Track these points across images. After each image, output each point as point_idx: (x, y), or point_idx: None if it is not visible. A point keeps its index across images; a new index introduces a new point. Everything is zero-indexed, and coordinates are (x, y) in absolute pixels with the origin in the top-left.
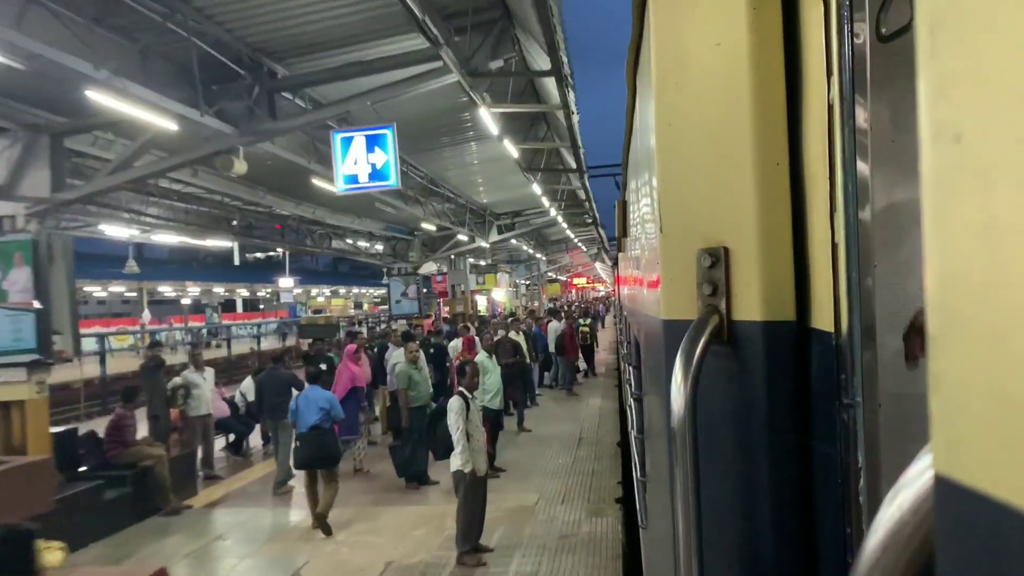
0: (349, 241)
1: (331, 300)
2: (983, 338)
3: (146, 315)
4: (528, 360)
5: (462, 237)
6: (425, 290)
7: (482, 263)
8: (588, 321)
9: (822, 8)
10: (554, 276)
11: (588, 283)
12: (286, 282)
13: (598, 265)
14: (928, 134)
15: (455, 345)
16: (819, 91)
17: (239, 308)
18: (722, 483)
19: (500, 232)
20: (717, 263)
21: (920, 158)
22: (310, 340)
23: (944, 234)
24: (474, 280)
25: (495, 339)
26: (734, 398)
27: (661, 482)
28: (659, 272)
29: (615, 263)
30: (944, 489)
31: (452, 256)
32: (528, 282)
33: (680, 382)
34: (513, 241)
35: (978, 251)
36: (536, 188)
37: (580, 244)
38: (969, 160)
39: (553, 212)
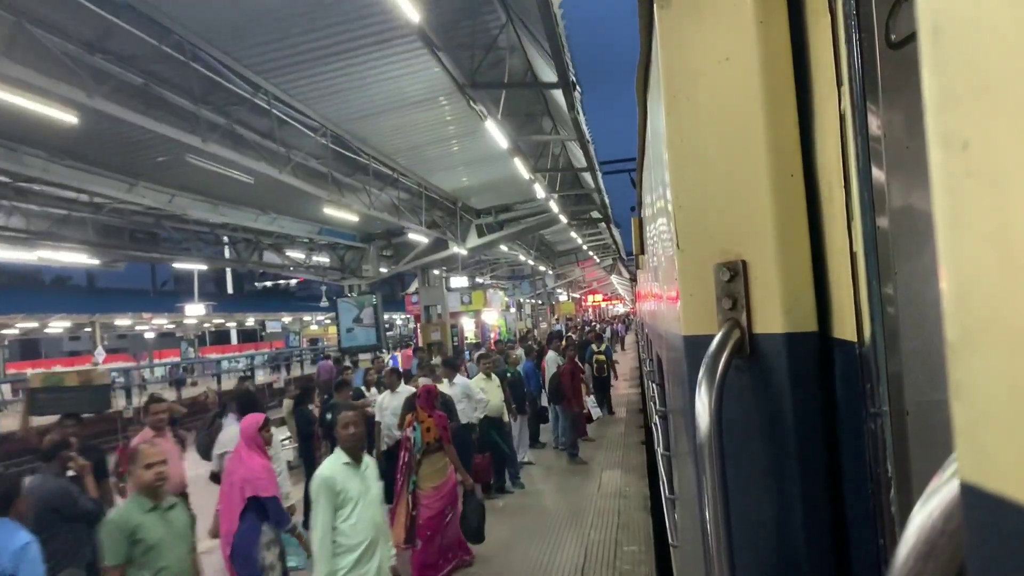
0: (297, 255)
1: (327, 328)
2: (1002, 342)
3: (99, 353)
4: (505, 417)
5: (416, 237)
6: (391, 315)
7: (480, 279)
8: (603, 347)
9: (830, 18)
10: (563, 293)
11: (605, 300)
12: (195, 309)
13: (615, 279)
14: (936, 142)
15: (386, 403)
16: (830, 101)
17: (234, 339)
18: (751, 497)
19: (482, 234)
20: (736, 277)
21: (930, 166)
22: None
23: (957, 240)
24: (459, 300)
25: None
26: (759, 411)
27: (690, 499)
28: (678, 288)
29: (633, 279)
30: (970, 496)
31: (435, 271)
32: (533, 300)
33: (704, 397)
34: (503, 248)
35: (992, 256)
36: (495, 131)
37: (592, 254)
38: (978, 167)
39: (540, 191)
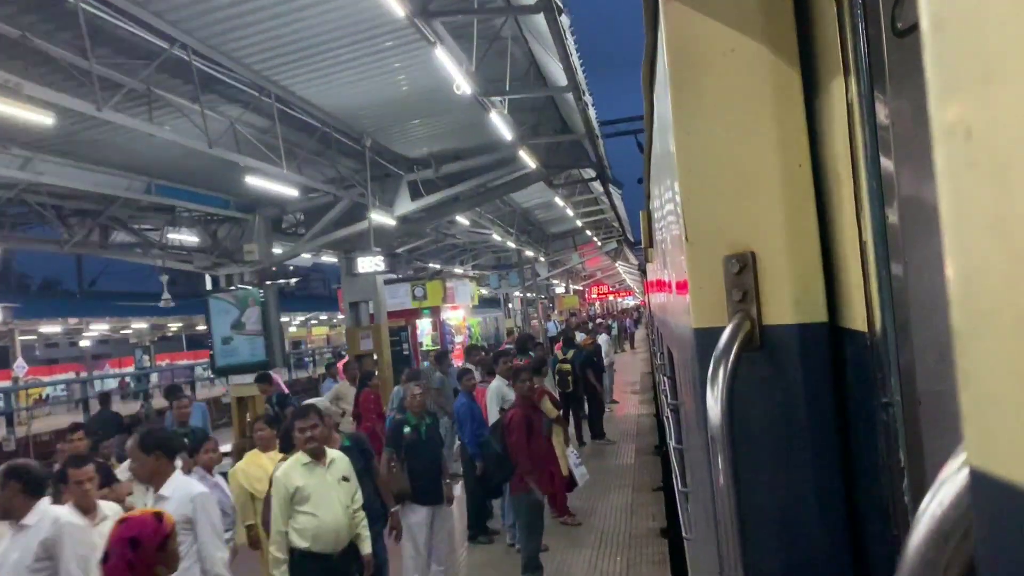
0: (187, 238)
1: (312, 329)
2: (1009, 330)
3: (20, 365)
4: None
5: (268, 186)
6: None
7: (459, 268)
8: (571, 353)
9: (835, 7)
10: (560, 284)
11: (611, 293)
12: None
13: (621, 268)
14: (939, 131)
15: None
16: (837, 90)
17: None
18: (764, 488)
19: (417, 196)
20: (745, 268)
21: (933, 155)
22: None
23: (962, 229)
24: (411, 293)
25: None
26: (770, 403)
27: (703, 491)
28: (687, 281)
29: (642, 271)
30: (980, 483)
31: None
32: (525, 293)
33: (715, 390)
34: (463, 222)
35: (997, 245)
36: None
37: (589, 232)
38: (981, 155)
39: (499, 122)
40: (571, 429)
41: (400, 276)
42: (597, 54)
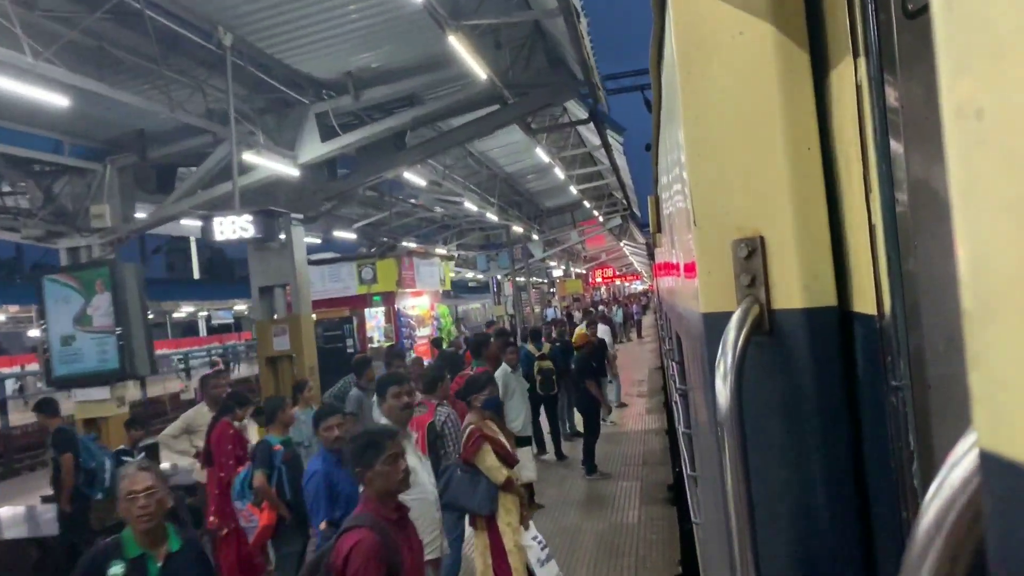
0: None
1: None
2: (1019, 311)
3: None
4: None
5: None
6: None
7: (443, 248)
8: (547, 348)
9: None
10: (558, 266)
11: (617, 277)
12: None
13: (627, 248)
14: (950, 111)
15: None
16: (847, 72)
17: (202, 331)
18: (773, 473)
19: (329, 136)
20: (753, 253)
21: (944, 136)
22: None
23: (972, 210)
24: (357, 275)
25: None
26: (779, 387)
27: (712, 477)
28: (696, 265)
29: (650, 254)
30: (990, 464)
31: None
32: (509, 275)
33: (724, 375)
34: (416, 180)
35: (1008, 226)
36: None
37: (588, 205)
38: (993, 135)
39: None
40: (533, 448)
41: (340, 255)
42: (602, 43)
